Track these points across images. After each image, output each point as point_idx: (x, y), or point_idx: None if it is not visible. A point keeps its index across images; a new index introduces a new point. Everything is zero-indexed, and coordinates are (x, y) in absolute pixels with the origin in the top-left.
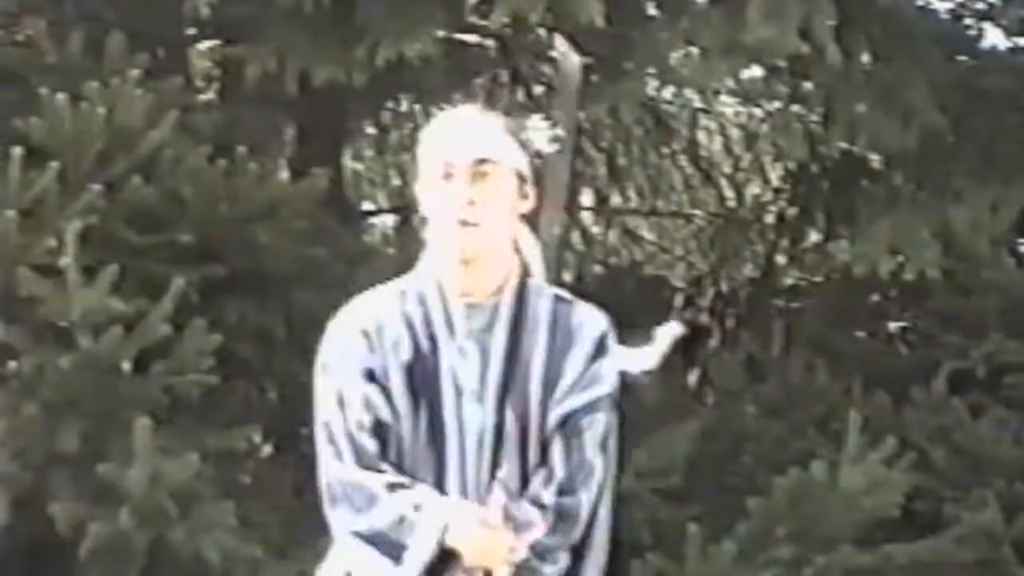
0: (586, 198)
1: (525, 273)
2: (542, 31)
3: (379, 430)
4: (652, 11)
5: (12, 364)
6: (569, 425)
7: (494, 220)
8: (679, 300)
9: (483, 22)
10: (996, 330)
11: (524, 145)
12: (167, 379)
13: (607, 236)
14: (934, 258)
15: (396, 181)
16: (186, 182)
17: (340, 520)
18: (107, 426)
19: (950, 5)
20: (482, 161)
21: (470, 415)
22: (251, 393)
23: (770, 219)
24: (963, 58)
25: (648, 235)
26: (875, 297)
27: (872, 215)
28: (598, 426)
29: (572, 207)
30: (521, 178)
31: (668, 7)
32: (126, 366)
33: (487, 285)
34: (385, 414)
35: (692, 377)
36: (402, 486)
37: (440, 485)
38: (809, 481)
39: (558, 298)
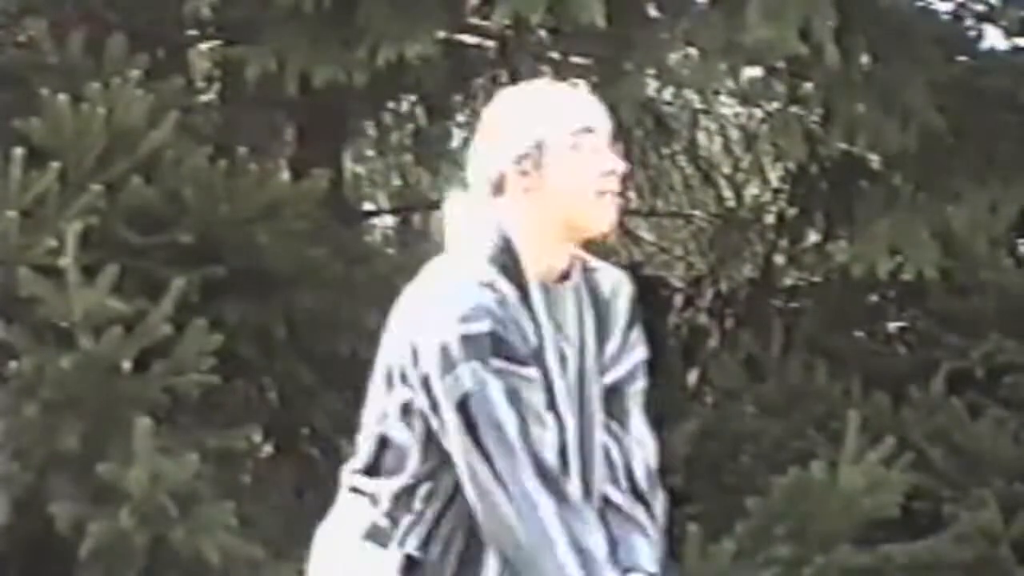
0: None
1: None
2: (542, 32)
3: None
4: (652, 11)
5: (12, 364)
6: (616, 399)
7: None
8: (678, 300)
9: (483, 23)
10: (995, 330)
11: None
12: (167, 379)
13: (606, 236)
14: (933, 258)
15: (396, 181)
16: (186, 182)
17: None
18: (107, 426)
19: (950, 5)
20: (611, 133)
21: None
22: (251, 393)
23: (769, 219)
24: (963, 58)
25: (647, 235)
26: (874, 297)
27: (871, 215)
28: (640, 394)
29: None
30: None
31: (668, 7)
32: (126, 366)
33: (560, 266)
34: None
35: (691, 377)
36: None
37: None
38: (808, 481)
39: (585, 267)
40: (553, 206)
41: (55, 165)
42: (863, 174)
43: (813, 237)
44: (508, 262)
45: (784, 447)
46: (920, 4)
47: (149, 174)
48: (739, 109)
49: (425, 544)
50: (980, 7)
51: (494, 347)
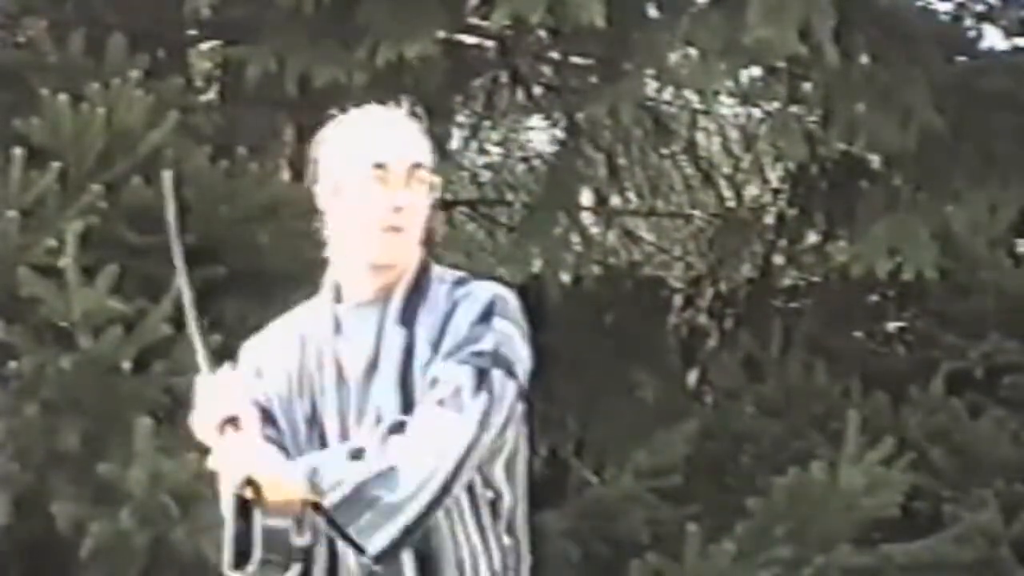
0: (585, 198)
1: (427, 264)
2: (542, 32)
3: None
4: (652, 11)
5: (12, 364)
6: (431, 385)
7: (418, 225)
8: (678, 300)
9: (483, 23)
10: (994, 330)
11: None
12: (167, 379)
13: (606, 236)
14: (932, 258)
15: None
16: (186, 183)
17: None
18: (107, 426)
19: (949, 6)
20: (415, 166)
21: (354, 398)
22: None
23: (769, 219)
24: (962, 59)
25: (647, 235)
26: (874, 297)
27: (871, 215)
28: (458, 380)
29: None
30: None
31: (668, 7)
32: (126, 366)
33: (386, 282)
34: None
35: (691, 377)
36: None
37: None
38: (808, 481)
39: (456, 282)
40: (350, 238)
41: (55, 165)
42: (863, 174)
43: (813, 237)
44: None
45: (784, 447)
46: (920, 4)
47: (149, 174)
48: (739, 109)
49: None
50: (980, 7)
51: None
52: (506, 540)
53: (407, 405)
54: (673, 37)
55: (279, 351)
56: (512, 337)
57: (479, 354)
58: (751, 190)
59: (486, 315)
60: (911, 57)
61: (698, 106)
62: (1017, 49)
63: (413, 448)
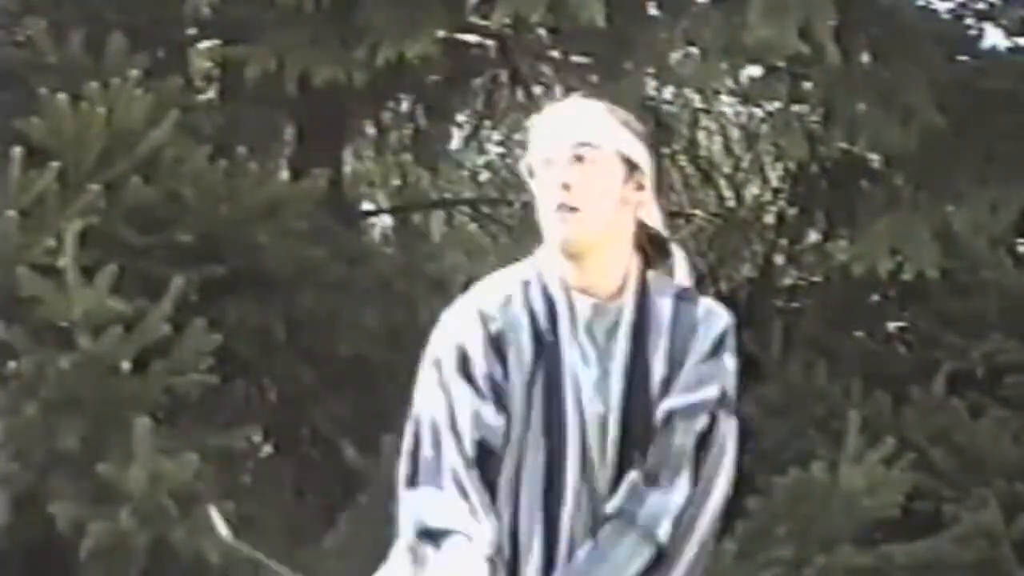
0: None
1: (646, 270)
2: (542, 31)
3: (483, 451)
4: (652, 11)
5: (12, 364)
6: (667, 427)
7: (596, 206)
8: None
9: (483, 22)
10: (995, 330)
11: (637, 133)
12: (167, 379)
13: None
14: (933, 258)
15: (396, 181)
16: (186, 182)
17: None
18: (107, 426)
19: (950, 5)
20: (580, 145)
21: (585, 422)
22: (251, 393)
23: (769, 219)
24: (963, 58)
25: None
26: (874, 297)
27: (871, 215)
28: (694, 427)
29: None
30: (630, 164)
31: (668, 7)
32: (126, 366)
33: (606, 284)
34: (492, 435)
35: None
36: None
37: (550, 477)
38: (809, 481)
39: (679, 296)
40: (543, 224)
41: (55, 165)
42: (863, 174)
43: (813, 237)
44: (539, 274)
45: (785, 447)
46: (920, 4)
47: (149, 174)
48: (739, 108)
49: None
50: (981, 6)
51: (461, 365)
52: None
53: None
54: (674, 36)
55: (507, 316)
56: (732, 372)
57: (708, 401)
58: (751, 190)
59: (717, 350)
60: (912, 56)
61: (699, 105)
62: (1018, 48)
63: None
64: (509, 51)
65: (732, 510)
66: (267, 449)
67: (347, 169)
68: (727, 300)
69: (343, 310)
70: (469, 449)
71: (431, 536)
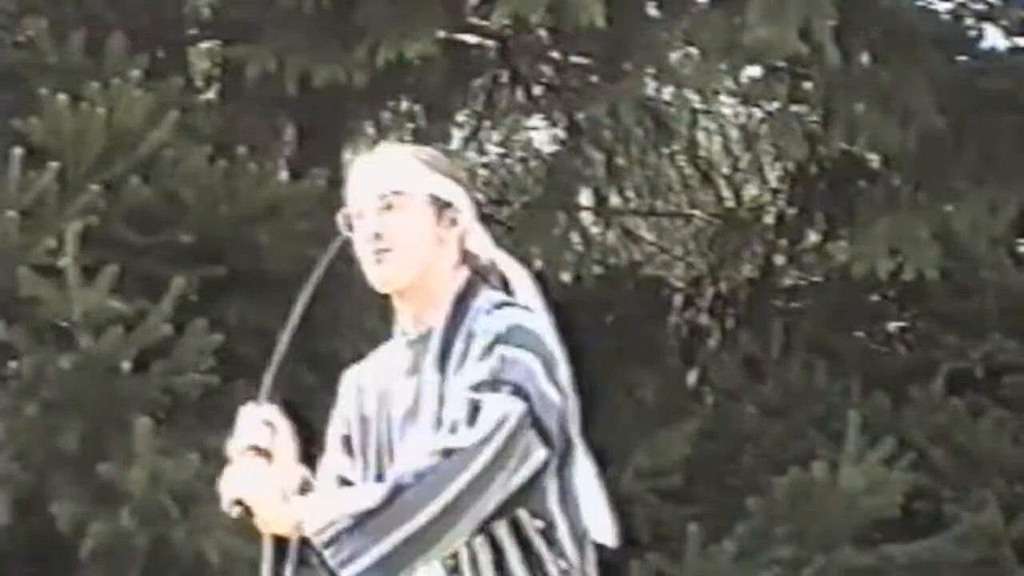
0: (585, 198)
1: (465, 294)
2: (542, 32)
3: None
4: (652, 11)
5: (12, 364)
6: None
7: (409, 247)
8: (678, 300)
9: (483, 22)
10: (995, 330)
11: (445, 171)
12: (167, 379)
13: (606, 236)
14: (933, 258)
15: None
16: (186, 182)
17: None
18: (107, 426)
19: (950, 5)
20: (389, 194)
21: (395, 441)
22: (251, 393)
23: (769, 219)
24: (963, 59)
25: (647, 235)
26: (874, 297)
27: (871, 215)
28: (452, 416)
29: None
30: (440, 204)
31: (668, 7)
32: (126, 366)
33: (428, 315)
34: (346, 470)
35: (691, 377)
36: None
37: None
38: (809, 481)
39: (489, 312)
40: None
41: (54, 165)
42: (863, 174)
43: (813, 237)
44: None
45: (785, 447)
46: (920, 4)
47: (149, 174)
48: (739, 109)
49: None
50: (980, 7)
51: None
52: (562, 564)
53: None
54: (673, 37)
55: (372, 375)
56: (516, 360)
57: (476, 387)
58: (751, 190)
59: (492, 346)
60: (912, 57)
61: (698, 106)
62: (1018, 49)
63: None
64: (509, 51)
65: (732, 510)
66: None
67: (347, 169)
68: (727, 300)
69: (343, 310)
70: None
71: None
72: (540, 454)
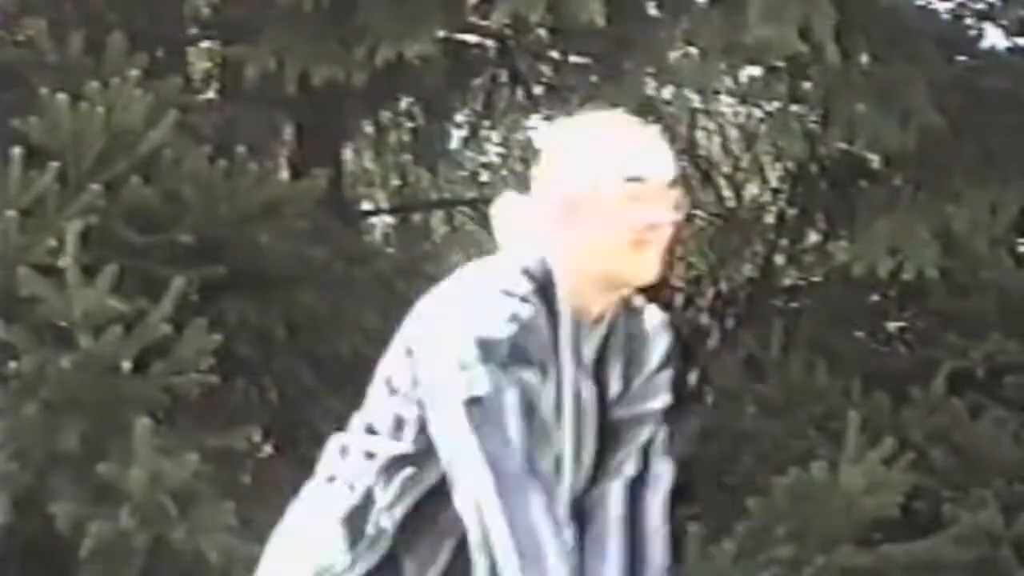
0: None
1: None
2: (542, 32)
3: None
4: (652, 11)
5: (12, 364)
6: (612, 434)
7: (662, 247)
8: (678, 300)
9: (483, 22)
10: (995, 330)
11: None
12: (167, 379)
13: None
14: (933, 258)
15: (396, 181)
16: (186, 182)
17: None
18: (107, 426)
19: (950, 5)
20: (674, 182)
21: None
22: (251, 393)
23: (769, 219)
24: (963, 58)
25: None
26: (874, 297)
27: (871, 215)
28: (638, 440)
29: None
30: None
31: (668, 7)
32: (126, 366)
33: (605, 302)
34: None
35: (691, 377)
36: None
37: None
38: (808, 481)
39: (627, 307)
40: (590, 253)
41: (54, 165)
42: (863, 174)
43: (813, 237)
44: (544, 283)
45: (784, 447)
46: (920, 4)
47: (148, 174)
48: (739, 109)
49: (402, 529)
50: (980, 6)
51: (514, 354)
52: None
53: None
54: (673, 36)
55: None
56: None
57: (654, 413)
58: (751, 190)
59: (664, 365)
60: (911, 57)
61: (698, 105)
62: (1018, 49)
63: None
64: (509, 51)
65: (731, 510)
66: (267, 449)
67: (347, 169)
68: (728, 300)
69: (343, 310)
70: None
71: None
72: None
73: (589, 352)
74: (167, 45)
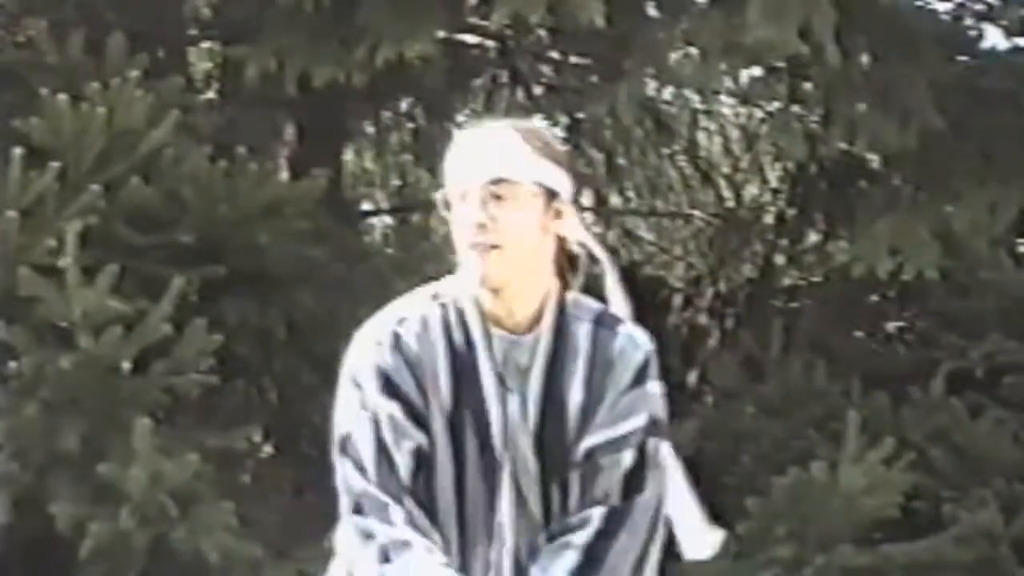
0: (585, 198)
1: (564, 295)
2: (542, 32)
3: (417, 455)
4: (652, 11)
5: (12, 364)
6: (589, 464)
7: (516, 242)
8: (678, 300)
9: (483, 22)
10: (995, 330)
11: (554, 156)
12: (167, 379)
13: (606, 236)
14: (933, 258)
15: (396, 181)
16: (186, 182)
17: (365, 526)
18: (107, 426)
19: (950, 5)
20: (498, 181)
21: (507, 457)
22: (251, 393)
23: (769, 219)
24: (963, 58)
25: (647, 235)
26: (874, 297)
27: (871, 215)
28: (621, 465)
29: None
30: (549, 193)
31: (668, 7)
32: (126, 366)
33: (523, 313)
34: (417, 437)
35: (691, 377)
36: (406, 545)
37: (490, 507)
38: (808, 481)
39: (599, 321)
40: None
41: (55, 165)
42: (863, 174)
43: (813, 237)
44: (450, 304)
45: (784, 447)
46: (920, 4)
47: (149, 174)
48: (739, 109)
49: None
50: (980, 7)
51: (386, 389)
52: None
53: (541, 466)
54: (673, 36)
55: (427, 347)
56: (658, 396)
57: (633, 433)
58: (751, 190)
59: (639, 380)
60: (911, 57)
61: (698, 106)
62: (1018, 49)
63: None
64: (509, 51)
65: (731, 510)
66: (267, 449)
67: (347, 169)
68: (727, 300)
69: (343, 310)
70: (405, 475)
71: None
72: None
73: (523, 363)
74: (167, 45)
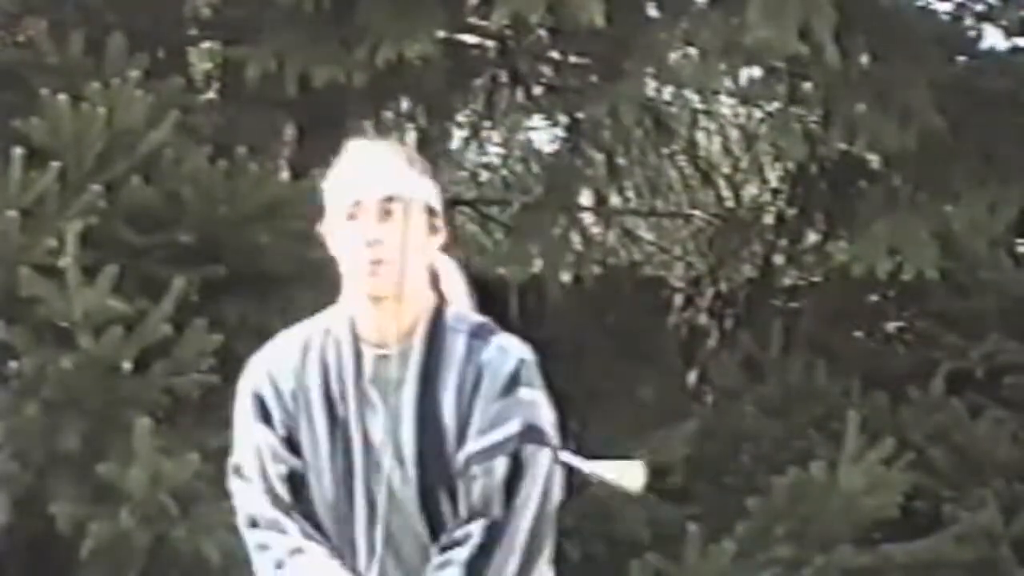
0: (585, 198)
1: (440, 309)
2: (542, 32)
3: (291, 479)
4: (652, 11)
5: (12, 364)
6: (465, 474)
7: (405, 260)
8: (678, 300)
9: (483, 23)
10: (994, 330)
11: (432, 177)
12: (167, 379)
13: (606, 236)
14: (932, 258)
15: None
16: (186, 182)
17: (259, 539)
18: (107, 426)
19: (950, 5)
20: (388, 199)
21: (380, 469)
22: None
23: (769, 219)
24: (962, 59)
25: (647, 235)
26: (874, 297)
27: (871, 215)
28: (495, 473)
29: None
30: (431, 212)
31: (668, 7)
32: (126, 366)
33: (398, 327)
34: (291, 462)
35: (691, 377)
36: (299, 551)
37: (371, 537)
38: (808, 481)
39: (473, 333)
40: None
41: (55, 165)
42: (863, 174)
43: (812, 237)
44: (336, 321)
45: (784, 447)
46: (920, 4)
47: (149, 174)
48: (739, 109)
49: None
50: (980, 7)
51: (260, 413)
52: None
53: (419, 477)
54: (673, 37)
55: (300, 373)
56: (535, 403)
57: (506, 441)
58: (751, 190)
59: (509, 388)
60: (911, 57)
61: (698, 106)
62: (1017, 49)
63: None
64: (509, 51)
65: (731, 510)
66: None
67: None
68: (727, 300)
69: None
70: (286, 496)
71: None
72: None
73: (393, 377)
74: (168, 46)
